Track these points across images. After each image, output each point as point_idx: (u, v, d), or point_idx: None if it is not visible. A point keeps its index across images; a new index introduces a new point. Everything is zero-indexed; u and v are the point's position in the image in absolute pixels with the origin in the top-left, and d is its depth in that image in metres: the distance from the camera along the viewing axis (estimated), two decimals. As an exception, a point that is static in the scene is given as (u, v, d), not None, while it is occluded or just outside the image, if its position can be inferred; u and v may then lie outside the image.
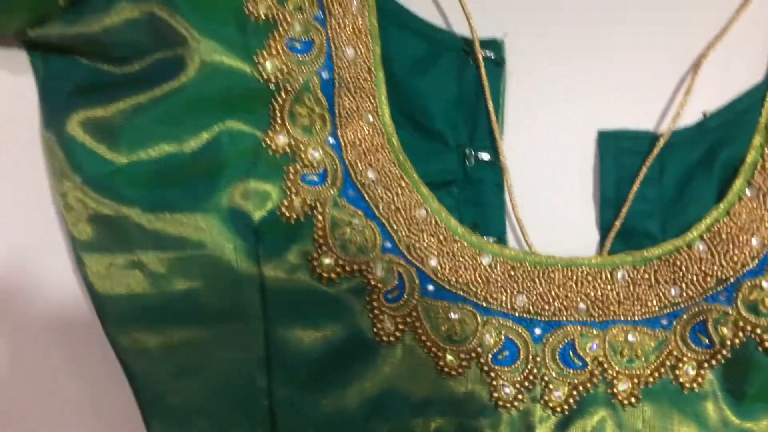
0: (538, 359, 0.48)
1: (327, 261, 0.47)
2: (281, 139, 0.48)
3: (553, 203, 0.50)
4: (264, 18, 0.48)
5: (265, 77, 0.47)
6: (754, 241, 0.47)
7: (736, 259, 0.47)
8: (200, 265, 0.46)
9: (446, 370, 0.47)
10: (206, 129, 0.47)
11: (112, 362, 0.49)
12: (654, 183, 0.49)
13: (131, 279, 0.47)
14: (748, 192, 0.48)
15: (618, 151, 0.50)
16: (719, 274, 0.47)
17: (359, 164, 0.48)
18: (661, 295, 0.48)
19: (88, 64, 0.49)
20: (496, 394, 0.48)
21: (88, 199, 0.46)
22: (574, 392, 0.48)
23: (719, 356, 0.47)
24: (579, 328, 0.48)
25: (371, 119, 0.49)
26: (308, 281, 0.47)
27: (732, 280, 0.47)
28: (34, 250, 0.51)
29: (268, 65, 0.47)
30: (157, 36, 0.47)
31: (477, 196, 0.50)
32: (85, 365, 0.51)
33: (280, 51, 0.48)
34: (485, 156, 0.50)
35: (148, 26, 0.47)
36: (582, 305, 0.48)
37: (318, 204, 0.47)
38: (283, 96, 0.48)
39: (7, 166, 0.50)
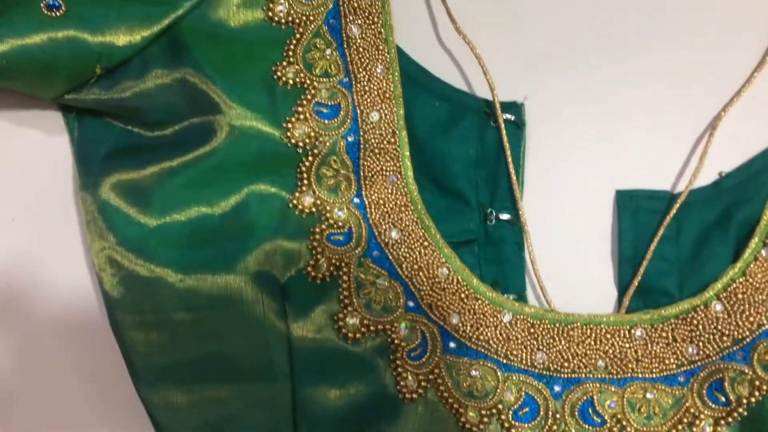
0: (558, 416, 0.49)
1: (352, 321, 0.49)
2: (308, 200, 0.50)
3: (572, 261, 0.51)
4: (292, 83, 0.50)
5: (294, 142, 0.49)
6: None
7: (752, 319, 0.48)
8: (230, 324, 0.48)
9: (467, 426, 0.48)
10: (236, 192, 0.49)
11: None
12: (671, 242, 0.51)
13: (163, 337, 0.49)
14: (763, 252, 0.49)
15: (635, 210, 0.51)
16: (735, 333, 0.48)
17: (383, 224, 0.50)
18: (678, 353, 0.49)
19: (121, 127, 0.51)
20: None
21: (123, 259, 0.48)
22: None
23: (736, 414, 0.48)
24: (598, 385, 0.49)
25: (395, 180, 0.50)
26: (334, 340, 0.48)
27: (748, 339, 0.48)
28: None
29: (297, 131, 0.49)
30: (189, 101, 0.49)
31: (498, 254, 0.51)
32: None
33: (308, 116, 0.49)
34: (506, 216, 0.51)
35: (181, 92, 0.49)
36: (601, 362, 0.49)
37: (343, 264, 0.49)
38: (311, 159, 0.49)
39: (44, 226, 0.52)
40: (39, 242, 0.52)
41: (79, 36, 0.47)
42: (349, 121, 0.50)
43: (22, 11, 0.47)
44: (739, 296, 0.48)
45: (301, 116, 0.49)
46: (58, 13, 0.47)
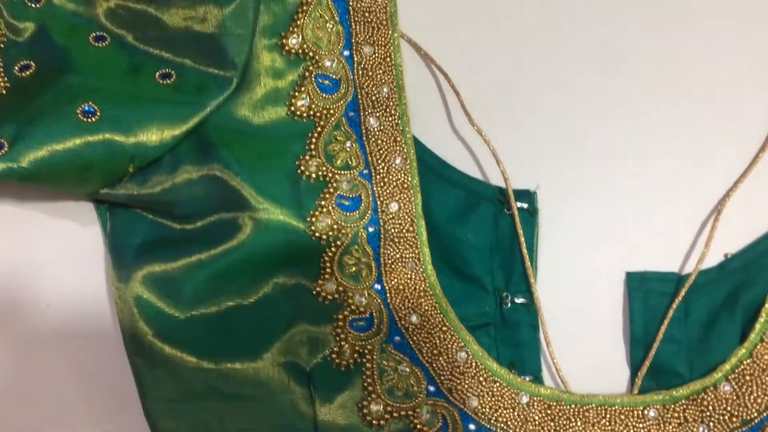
0: (575, 495, 0.51)
1: (376, 408, 0.50)
2: (330, 287, 0.52)
3: (585, 342, 0.53)
4: (315, 177, 0.52)
5: (318, 235, 0.51)
6: None
7: (760, 400, 0.50)
8: (258, 411, 0.50)
9: (489, 504, 0.51)
10: (262, 284, 0.51)
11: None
12: (680, 323, 0.53)
13: (194, 425, 0.50)
14: (770, 333, 0.51)
15: (646, 293, 0.54)
16: (744, 414, 0.50)
17: (403, 309, 0.52)
18: None
19: (152, 219, 0.53)
20: None
21: (156, 349, 0.50)
22: None
23: (745, 493, 0.50)
24: (613, 464, 0.51)
25: (414, 266, 0.52)
26: (359, 426, 0.50)
27: (756, 420, 0.50)
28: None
29: (320, 224, 0.51)
30: (217, 196, 0.52)
31: (513, 336, 0.53)
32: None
33: (331, 209, 0.52)
34: (521, 299, 0.53)
35: (210, 187, 0.52)
36: None
37: (366, 351, 0.51)
38: (333, 250, 0.52)
39: (77, 314, 0.55)
40: (73, 328, 0.55)
41: (114, 138, 0.50)
42: (369, 212, 0.52)
43: (59, 117, 0.49)
44: (747, 377, 0.50)
45: (324, 209, 0.52)
46: (93, 119, 0.49)
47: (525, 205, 0.54)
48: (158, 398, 0.50)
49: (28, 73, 0.51)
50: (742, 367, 0.51)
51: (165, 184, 0.52)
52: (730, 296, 0.53)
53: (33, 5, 0.53)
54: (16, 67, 0.51)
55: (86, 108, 0.49)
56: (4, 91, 0.51)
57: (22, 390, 0.54)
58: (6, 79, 0.51)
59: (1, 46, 0.52)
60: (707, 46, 0.57)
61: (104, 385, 0.54)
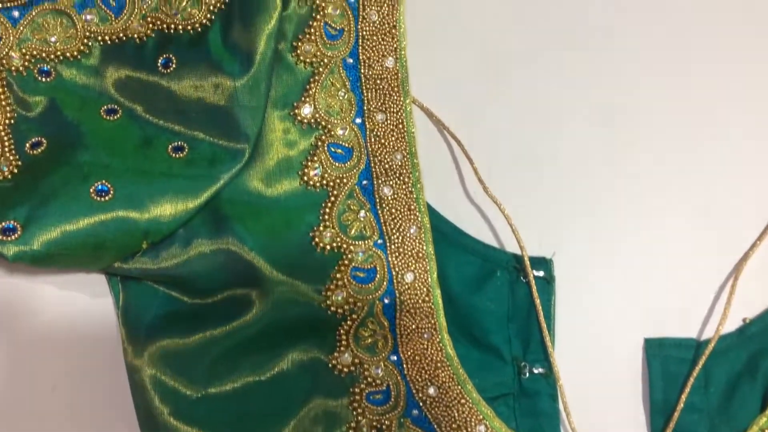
0: None
1: (397, 485, 0.50)
2: (346, 359, 0.51)
3: (605, 410, 0.53)
4: (329, 248, 0.52)
5: (333, 309, 0.51)
6: None
7: (783, 470, 0.50)
8: None
9: None
10: (277, 359, 0.51)
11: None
12: (701, 391, 0.52)
13: None
14: (792, 400, 0.51)
15: (665, 359, 0.53)
16: (768, 485, 0.50)
17: (420, 380, 0.51)
18: None
19: (164, 293, 0.53)
20: None
21: (172, 428, 0.49)
22: None
23: None
24: None
25: (430, 336, 0.52)
26: (380, 504, 0.50)
27: None
28: None
29: (335, 297, 0.51)
30: (231, 270, 0.51)
31: (533, 406, 0.53)
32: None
33: (346, 282, 0.51)
34: (539, 369, 0.53)
35: (224, 261, 0.51)
36: None
37: (384, 427, 0.50)
38: (349, 323, 0.51)
39: (88, 389, 0.54)
40: (84, 405, 0.54)
41: (128, 215, 0.50)
42: (385, 283, 0.52)
43: (72, 198, 0.49)
44: None
45: (339, 282, 0.51)
46: (106, 198, 0.49)
47: (541, 273, 0.54)
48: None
49: (39, 150, 0.51)
50: None
51: (178, 258, 0.51)
52: (750, 363, 0.53)
53: (43, 79, 0.53)
54: (28, 144, 0.51)
55: (99, 187, 0.49)
56: (16, 170, 0.50)
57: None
58: (17, 157, 0.51)
59: (12, 121, 0.52)
60: (725, 105, 0.57)
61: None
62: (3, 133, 0.52)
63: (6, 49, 0.53)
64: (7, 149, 0.51)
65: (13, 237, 0.48)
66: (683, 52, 0.57)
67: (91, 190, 0.49)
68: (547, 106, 0.57)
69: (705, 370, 0.53)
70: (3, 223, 0.48)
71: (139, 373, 0.51)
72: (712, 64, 0.57)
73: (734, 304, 0.53)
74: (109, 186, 0.49)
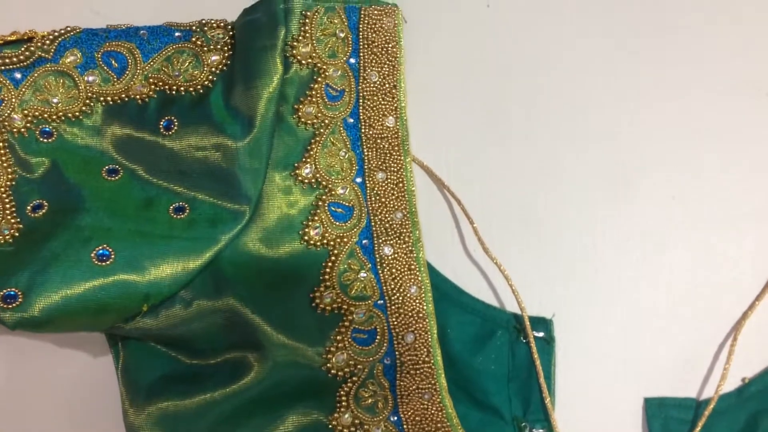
0: None
1: None
2: (347, 419, 0.51)
3: None
4: (330, 309, 0.52)
5: (333, 372, 0.51)
6: None
7: None
8: None
9: None
10: (278, 420, 0.51)
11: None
12: (701, 452, 0.53)
13: None
14: (791, 462, 0.51)
15: (665, 420, 0.54)
16: None
17: None
18: None
19: (164, 353, 0.53)
20: None
21: None
22: None
23: None
24: None
25: (430, 396, 0.52)
26: None
27: None
28: None
29: (335, 359, 0.51)
30: (231, 331, 0.52)
31: None
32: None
33: (347, 344, 0.51)
34: (540, 429, 0.53)
35: (224, 321, 0.52)
36: None
37: None
38: (350, 385, 0.51)
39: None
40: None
41: (128, 278, 0.49)
42: (385, 345, 0.52)
43: (73, 263, 0.49)
44: None
45: (340, 344, 0.51)
46: (108, 262, 0.49)
47: (541, 334, 0.54)
48: None
49: (40, 213, 0.51)
50: None
51: (179, 319, 0.51)
52: (750, 423, 0.53)
53: (45, 140, 0.53)
54: (29, 207, 0.51)
55: (100, 251, 0.49)
56: (17, 233, 0.50)
57: None
58: (18, 219, 0.51)
59: (13, 183, 0.52)
60: (721, 169, 0.57)
61: None
62: (4, 195, 0.52)
63: (8, 111, 0.53)
64: (8, 211, 0.51)
65: (14, 304, 0.48)
66: (681, 111, 0.58)
67: (92, 255, 0.49)
68: (546, 168, 0.57)
69: (706, 430, 0.53)
70: (4, 291, 0.48)
71: (136, 428, 0.51)
72: (708, 123, 0.58)
73: (733, 363, 0.53)
74: (110, 250, 0.50)
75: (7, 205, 0.52)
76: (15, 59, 0.53)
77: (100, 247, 0.50)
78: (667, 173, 0.57)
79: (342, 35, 0.55)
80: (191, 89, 0.54)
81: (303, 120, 0.54)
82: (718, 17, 0.58)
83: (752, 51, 0.58)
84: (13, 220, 0.51)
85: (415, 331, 0.53)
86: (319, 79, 0.55)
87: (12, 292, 0.48)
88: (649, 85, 0.58)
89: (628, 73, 0.58)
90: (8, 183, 0.52)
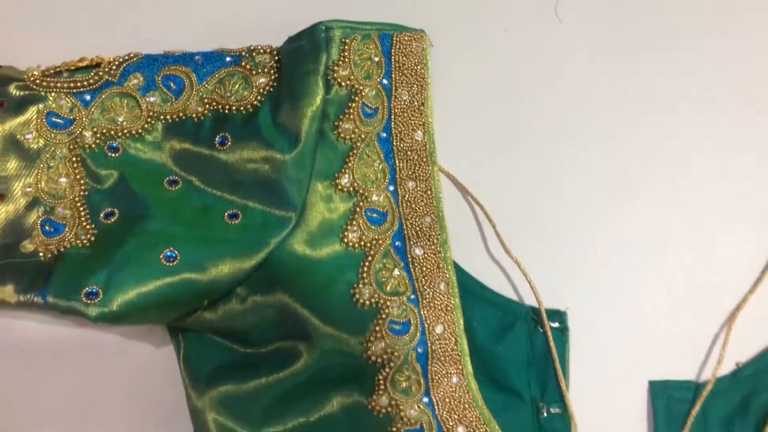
0: None
1: None
2: (384, 401, 0.57)
3: None
4: (368, 304, 0.58)
5: (373, 359, 0.57)
6: None
7: (774, 500, 0.56)
8: None
9: None
10: (323, 402, 0.56)
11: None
12: (700, 428, 0.58)
13: None
14: (779, 436, 0.57)
15: (667, 400, 0.59)
16: None
17: (450, 420, 0.57)
18: None
19: (221, 343, 0.59)
20: None
21: None
22: None
23: None
24: None
25: (458, 380, 0.58)
26: None
27: None
28: None
29: (374, 347, 0.57)
30: (282, 323, 0.58)
31: None
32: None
33: (384, 334, 0.57)
34: (555, 409, 0.59)
35: (275, 315, 0.57)
36: None
37: None
38: (387, 371, 0.57)
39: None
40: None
41: (192, 277, 0.56)
42: (418, 335, 0.58)
43: (144, 264, 0.55)
44: None
45: (378, 335, 0.57)
46: (174, 263, 0.55)
47: (557, 324, 0.60)
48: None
49: (112, 220, 0.57)
50: None
51: (235, 313, 0.58)
52: (743, 403, 0.59)
53: (112, 155, 0.59)
54: (102, 214, 0.58)
55: (168, 253, 0.55)
56: (93, 238, 0.57)
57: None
58: (93, 225, 0.57)
59: (86, 193, 0.59)
60: (716, 174, 0.63)
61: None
62: (79, 204, 0.58)
63: (79, 129, 0.59)
64: (83, 218, 0.58)
65: (95, 300, 0.54)
66: (678, 120, 0.64)
67: (161, 257, 0.55)
68: (560, 176, 0.63)
69: (703, 409, 0.58)
70: (86, 288, 0.54)
71: (202, 415, 0.57)
72: (705, 128, 0.64)
73: (729, 349, 0.59)
74: (176, 252, 0.56)
75: (82, 213, 0.58)
76: (86, 83, 0.60)
77: (167, 250, 0.56)
78: (665, 177, 0.63)
79: (376, 59, 0.61)
80: (242, 108, 0.60)
81: (342, 135, 0.60)
82: (718, 22, 0.65)
83: (752, 55, 0.65)
84: (88, 227, 0.58)
85: (444, 323, 0.59)
86: (356, 98, 0.61)
87: (93, 290, 0.54)
88: (648, 99, 0.64)
89: (628, 88, 0.64)
90: (82, 193, 0.59)
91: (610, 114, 0.64)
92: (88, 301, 0.54)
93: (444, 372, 0.58)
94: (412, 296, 0.59)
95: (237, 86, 0.61)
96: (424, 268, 0.60)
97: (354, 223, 0.60)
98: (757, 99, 0.64)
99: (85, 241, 0.57)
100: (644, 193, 0.63)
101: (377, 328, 0.58)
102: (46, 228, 0.58)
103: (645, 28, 0.66)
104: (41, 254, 0.57)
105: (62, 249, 0.57)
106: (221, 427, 0.56)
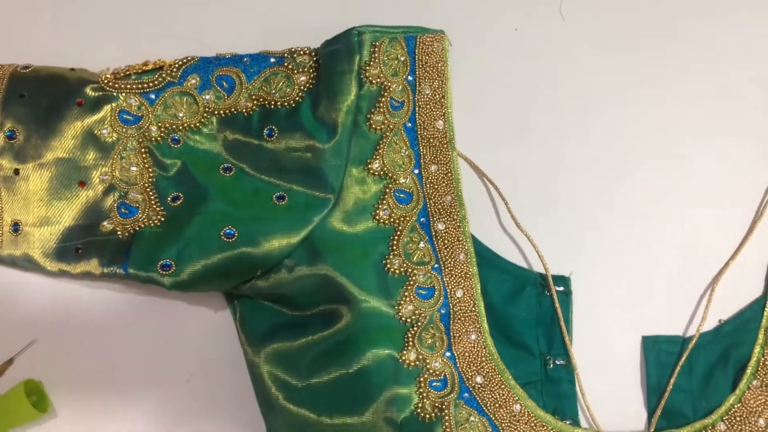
0: None
1: (454, 450, 0.65)
2: (412, 355, 0.66)
3: (612, 393, 0.67)
4: (398, 272, 0.67)
5: (403, 319, 0.66)
6: (761, 421, 0.64)
7: (748, 435, 0.65)
8: None
9: None
10: (361, 356, 0.64)
11: None
12: (685, 377, 0.67)
13: None
14: (754, 382, 0.66)
15: (657, 353, 0.68)
16: (736, 447, 0.65)
17: (469, 371, 0.66)
18: None
19: (271, 307, 0.67)
20: None
21: (285, 409, 0.64)
22: None
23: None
24: (636, 486, 0.65)
25: (476, 337, 0.67)
26: (442, 465, 0.65)
27: None
28: None
29: (404, 309, 0.66)
30: (325, 290, 0.66)
31: (556, 390, 0.67)
32: None
33: (412, 298, 0.66)
34: (560, 361, 0.67)
35: (319, 283, 0.66)
36: None
37: (444, 406, 0.65)
38: (415, 329, 0.66)
39: (215, 384, 0.70)
40: (214, 395, 0.69)
41: (247, 251, 0.64)
42: (441, 299, 0.67)
43: (208, 240, 0.64)
44: (737, 418, 0.65)
45: (407, 298, 0.66)
46: (232, 239, 0.64)
47: (561, 288, 0.68)
48: (291, 445, 0.65)
49: (178, 203, 0.66)
50: (734, 410, 0.65)
51: (284, 281, 0.66)
52: (724, 354, 0.67)
53: (175, 146, 0.68)
54: (169, 198, 0.67)
55: (227, 231, 0.64)
56: (163, 218, 0.66)
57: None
58: (162, 208, 0.66)
59: (154, 179, 0.67)
60: (701, 158, 0.71)
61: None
62: (148, 189, 0.67)
63: (146, 124, 0.68)
64: (153, 202, 0.67)
65: (169, 271, 0.64)
66: (667, 113, 0.72)
67: (221, 234, 0.64)
68: (565, 159, 0.71)
69: (689, 360, 0.67)
70: (161, 261, 0.64)
71: (258, 369, 0.66)
72: (690, 119, 0.72)
73: (711, 309, 0.68)
74: (233, 230, 0.65)
75: (152, 197, 0.67)
76: (151, 84, 0.68)
77: (226, 228, 0.64)
78: (658, 160, 0.71)
79: (402, 59, 0.69)
80: (285, 104, 0.69)
81: (373, 126, 0.68)
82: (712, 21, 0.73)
83: (735, 52, 0.73)
84: (158, 209, 0.67)
85: (464, 288, 0.68)
86: (385, 93, 0.69)
87: (167, 263, 0.64)
88: (643, 93, 0.72)
89: (626, 82, 0.72)
90: (150, 180, 0.68)
91: (608, 104, 0.72)
92: (164, 272, 0.64)
93: (464, 330, 0.67)
94: (436, 265, 0.68)
95: (281, 84, 0.69)
96: (446, 241, 0.68)
97: (384, 202, 0.68)
98: (737, 90, 0.72)
99: (156, 222, 0.66)
100: (639, 174, 0.71)
101: (406, 293, 0.67)
102: (122, 210, 0.67)
103: (641, 26, 0.73)
104: (119, 233, 0.66)
105: (137, 228, 0.66)
106: (274, 378, 0.65)
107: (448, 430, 0.64)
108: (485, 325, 0.67)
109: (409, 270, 0.67)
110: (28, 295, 0.70)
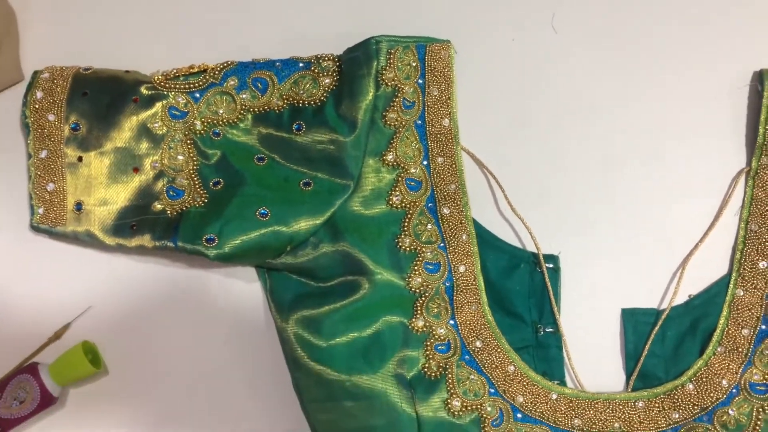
0: (589, 460, 0.74)
1: (456, 403, 0.74)
2: (420, 323, 0.75)
3: (595, 357, 0.76)
4: (409, 250, 0.76)
5: (413, 290, 0.75)
6: (724, 383, 0.73)
7: (712, 394, 0.73)
8: (378, 408, 0.72)
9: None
10: (375, 322, 0.74)
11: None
12: (659, 344, 0.75)
13: (335, 416, 0.74)
14: (719, 349, 0.74)
15: (635, 323, 0.76)
16: (702, 404, 0.72)
17: (470, 337, 0.75)
18: (666, 417, 0.73)
19: (297, 279, 0.76)
20: None
21: (309, 367, 0.73)
22: None
23: (703, 455, 0.73)
24: (615, 439, 0.74)
25: (476, 308, 0.76)
26: (446, 417, 0.73)
27: (710, 408, 0.72)
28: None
29: (414, 282, 0.75)
30: (345, 264, 0.75)
31: (545, 354, 0.75)
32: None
33: (421, 272, 0.76)
34: (550, 329, 0.76)
35: (340, 258, 0.75)
36: (617, 424, 0.74)
37: (448, 366, 0.75)
38: (423, 300, 0.75)
39: (248, 348, 0.79)
40: (246, 356, 0.79)
41: (280, 229, 0.74)
42: (446, 273, 0.76)
43: (245, 219, 0.73)
44: (704, 379, 0.73)
45: (416, 272, 0.75)
46: (266, 218, 0.74)
47: (551, 266, 0.76)
48: (311, 399, 0.73)
49: (219, 187, 0.76)
50: (701, 372, 0.73)
51: (310, 256, 0.75)
52: (693, 324, 0.75)
53: (215, 138, 0.78)
54: (211, 183, 0.76)
55: (261, 211, 0.74)
56: (206, 200, 0.76)
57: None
58: (205, 192, 0.76)
59: (198, 167, 0.77)
60: (676, 155, 0.79)
61: (273, 391, 0.78)
62: (193, 175, 0.77)
63: (192, 119, 0.78)
64: (197, 186, 0.76)
65: (213, 244, 0.73)
66: (649, 115, 0.80)
67: (257, 213, 0.74)
68: (557, 152, 0.79)
69: (662, 329, 0.74)
70: (206, 236, 0.73)
71: (286, 332, 0.75)
72: (668, 119, 0.80)
73: (682, 285, 0.76)
74: (267, 210, 0.74)
75: (196, 182, 0.77)
76: (196, 84, 0.78)
77: (261, 209, 0.74)
78: (640, 155, 0.79)
79: (414, 64, 0.79)
80: (312, 103, 0.78)
81: (388, 123, 0.78)
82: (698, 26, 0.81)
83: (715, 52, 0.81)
84: (202, 192, 0.76)
85: (466, 264, 0.77)
86: (399, 94, 0.78)
87: (211, 237, 0.73)
88: (629, 95, 0.80)
89: (614, 86, 0.80)
90: (194, 167, 0.78)
91: (597, 104, 0.80)
92: (208, 245, 0.73)
93: (465, 301, 0.76)
94: (442, 244, 0.77)
95: (308, 86, 0.79)
96: (451, 223, 0.77)
97: (397, 189, 0.78)
98: (709, 92, 0.80)
99: (200, 203, 0.76)
100: (622, 169, 0.78)
101: (416, 268, 0.76)
102: (170, 193, 0.77)
103: (628, 34, 0.81)
104: (168, 212, 0.76)
105: (184, 208, 0.76)
106: (300, 340, 0.74)
107: (450, 386, 0.74)
108: (484, 297, 0.76)
109: (418, 248, 0.76)
110: (85, 268, 0.80)
